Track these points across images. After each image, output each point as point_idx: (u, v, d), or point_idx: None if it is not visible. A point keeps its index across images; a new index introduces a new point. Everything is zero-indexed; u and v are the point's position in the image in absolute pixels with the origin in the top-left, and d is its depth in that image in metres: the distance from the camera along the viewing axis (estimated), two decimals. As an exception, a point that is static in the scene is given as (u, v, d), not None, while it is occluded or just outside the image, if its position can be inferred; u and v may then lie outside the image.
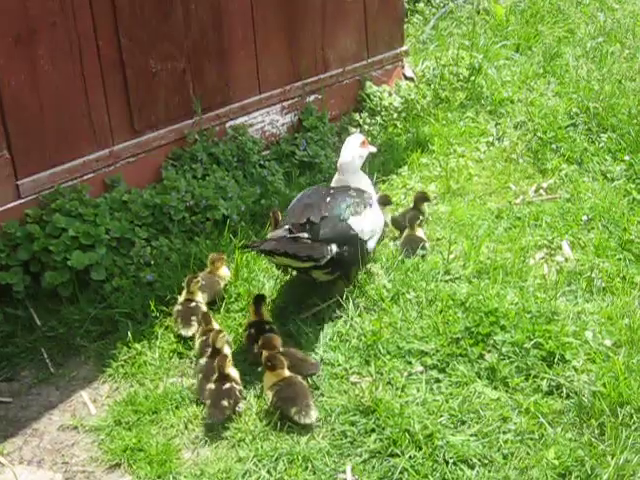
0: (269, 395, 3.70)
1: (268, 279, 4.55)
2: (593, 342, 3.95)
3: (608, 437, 3.44)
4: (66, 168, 4.76)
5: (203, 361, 3.93)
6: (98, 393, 4.04)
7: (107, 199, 4.83)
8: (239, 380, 3.80)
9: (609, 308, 4.27)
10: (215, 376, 3.74)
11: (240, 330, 4.22)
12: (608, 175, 5.76)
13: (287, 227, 4.10)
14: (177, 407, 3.84)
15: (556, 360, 3.83)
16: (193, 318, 4.22)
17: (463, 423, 3.58)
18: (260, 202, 5.33)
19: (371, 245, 4.38)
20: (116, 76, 4.94)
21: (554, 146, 6.05)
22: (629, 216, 5.22)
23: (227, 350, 3.95)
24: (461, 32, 8.03)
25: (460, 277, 4.47)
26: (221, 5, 5.42)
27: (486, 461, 3.40)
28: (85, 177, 4.86)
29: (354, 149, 4.57)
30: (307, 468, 3.42)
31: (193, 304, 4.28)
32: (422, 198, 5.14)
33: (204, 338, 4.05)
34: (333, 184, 4.64)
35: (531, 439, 3.50)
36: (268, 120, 5.93)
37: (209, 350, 3.93)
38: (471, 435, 3.50)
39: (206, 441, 3.64)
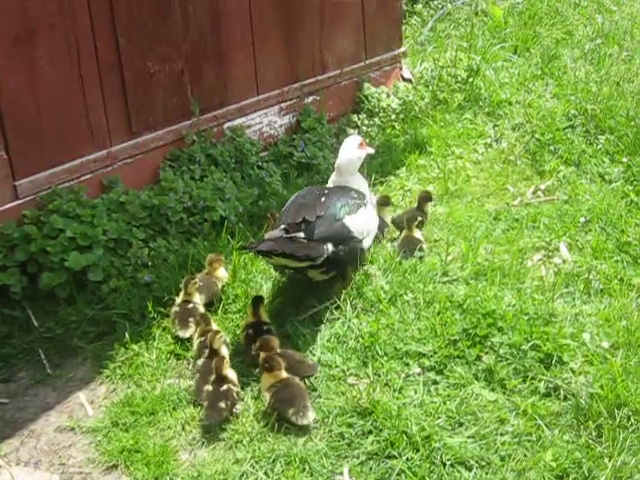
0: (266, 396, 3.70)
1: (266, 280, 4.55)
2: (591, 344, 3.95)
3: (605, 439, 3.44)
4: (64, 169, 4.76)
5: (201, 362, 3.92)
6: (95, 394, 4.04)
7: (105, 200, 4.83)
8: (236, 381, 3.79)
9: (607, 310, 4.27)
10: (212, 377, 3.74)
11: (238, 331, 4.22)
12: (606, 177, 5.77)
13: (283, 227, 4.11)
14: (174, 408, 3.83)
15: (553, 362, 3.83)
16: (190, 319, 4.21)
17: (460, 425, 3.58)
18: (258, 203, 5.34)
19: (366, 244, 4.39)
20: (114, 77, 4.94)
21: (552, 148, 6.06)
22: (627, 218, 5.22)
23: (224, 351, 3.95)
24: (459, 34, 8.04)
25: (458, 279, 4.47)
26: (219, 7, 5.43)
27: (483, 463, 3.40)
28: (83, 178, 4.86)
29: (352, 150, 4.57)
30: (304, 470, 3.42)
31: (190, 305, 4.28)
32: (426, 198, 5.15)
33: (202, 339, 4.05)
34: (330, 185, 4.65)
35: (528, 441, 3.50)
36: (266, 121, 5.94)
37: (207, 351, 3.93)
38: (468, 437, 3.50)
39: (203, 442, 3.63)
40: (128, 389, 4.01)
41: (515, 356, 3.86)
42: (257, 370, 3.89)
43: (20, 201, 4.59)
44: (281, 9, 5.84)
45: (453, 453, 3.41)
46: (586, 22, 8.49)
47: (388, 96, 6.67)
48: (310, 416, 3.61)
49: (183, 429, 3.72)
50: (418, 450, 3.43)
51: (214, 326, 4.14)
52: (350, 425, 3.60)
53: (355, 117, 6.50)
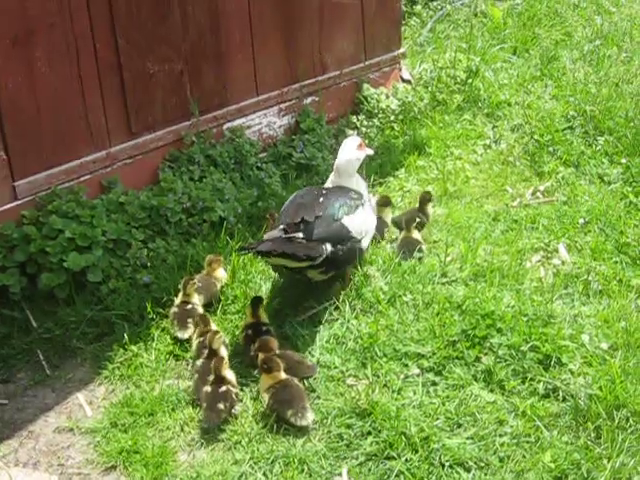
0: (265, 397, 3.70)
1: (265, 281, 4.55)
2: (589, 345, 3.95)
3: (604, 440, 3.44)
4: (63, 169, 4.76)
5: (200, 362, 3.92)
6: (94, 395, 4.04)
7: (104, 201, 4.82)
8: (235, 382, 3.79)
9: (605, 311, 4.27)
10: (211, 378, 3.74)
11: (237, 332, 4.21)
12: (605, 178, 5.77)
13: (282, 227, 4.12)
14: (173, 409, 3.83)
15: (552, 363, 3.84)
16: (189, 320, 4.21)
17: (459, 426, 3.58)
18: (257, 204, 5.34)
19: (364, 244, 4.40)
20: (113, 78, 4.93)
21: (551, 149, 6.06)
22: (626, 219, 5.23)
23: (224, 352, 3.95)
24: (458, 35, 8.04)
25: (457, 280, 4.47)
26: (218, 7, 5.42)
27: (482, 464, 3.40)
28: (82, 179, 4.85)
29: (351, 151, 4.57)
30: (303, 471, 3.42)
31: (189, 306, 4.27)
32: (427, 199, 5.15)
33: (201, 339, 4.04)
34: (328, 185, 4.65)
35: (527, 442, 3.50)
36: (265, 122, 5.94)
37: (206, 351, 3.93)
38: (467, 438, 3.50)
39: (202, 443, 3.63)
40: (127, 390, 4.01)
41: (514, 357, 3.86)
42: (256, 371, 3.89)
43: (19, 202, 4.59)
44: (280, 9, 5.84)
45: (452, 454, 3.41)
46: (585, 23, 8.49)
47: (387, 97, 6.67)
48: (309, 417, 3.61)
49: (182, 430, 3.72)
50: (417, 451, 3.43)
51: (213, 327, 4.14)
52: (349, 426, 3.60)
53: (354, 118, 6.50)
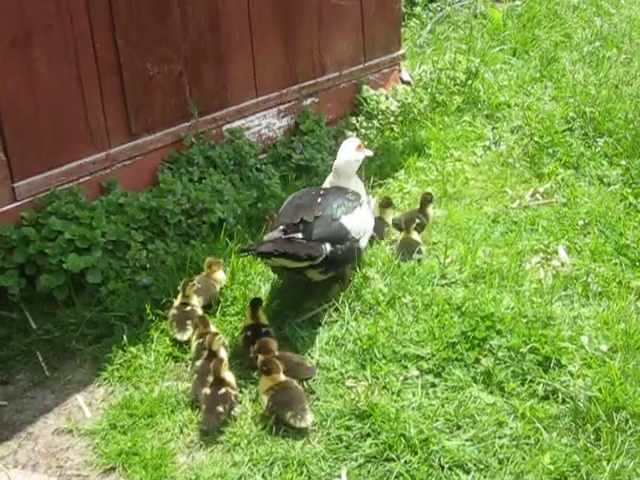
0: (264, 399, 3.69)
1: (264, 283, 4.54)
2: (589, 347, 3.95)
3: (604, 442, 3.44)
4: (62, 171, 4.75)
5: (199, 363, 3.92)
6: (93, 397, 4.03)
7: (103, 202, 4.82)
8: (234, 384, 3.79)
9: (605, 313, 4.27)
10: (210, 380, 3.73)
11: (236, 334, 4.21)
12: (604, 180, 5.77)
13: (282, 228, 4.12)
14: (172, 411, 3.83)
15: (552, 365, 3.83)
16: (188, 322, 4.21)
17: (459, 428, 3.58)
18: (256, 205, 5.33)
19: (363, 244, 4.40)
20: (113, 78, 4.93)
21: (550, 150, 6.06)
22: (625, 221, 5.23)
23: (223, 353, 3.95)
24: (458, 36, 8.04)
25: (456, 281, 4.47)
26: (218, 8, 5.42)
27: (482, 466, 3.40)
28: (81, 180, 4.85)
29: (350, 153, 4.57)
30: (302, 473, 3.42)
31: (188, 308, 4.27)
32: (428, 200, 5.15)
33: (201, 341, 4.04)
34: (326, 186, 4.66)
35: (527, 444, 3.50)
36: (265, 123, 5.93)
37: (205, 353, 3.93)
38: (467, 440, 3.50)
39: (201, 445, 3.63)
40: (126, 391, 4.00)
41: (513, 359, 3.86)
42: (255, 373, 3.89)
43: (18, 203, 4.58)
44: (280, 10, 5.84)
45: (451, 456, 3.41)
46: (585, 25, 8.49)
47: (387, 98, 6.67)
48: (308, 419, 3.60)
49: (181, 432, 3.72)
50: (416, 453, 3.43)
51: (213, 328, 4.14)
52: (348, 428, 3.60)
53: (354, 119, 6.50)
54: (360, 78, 6.60)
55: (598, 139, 6.14)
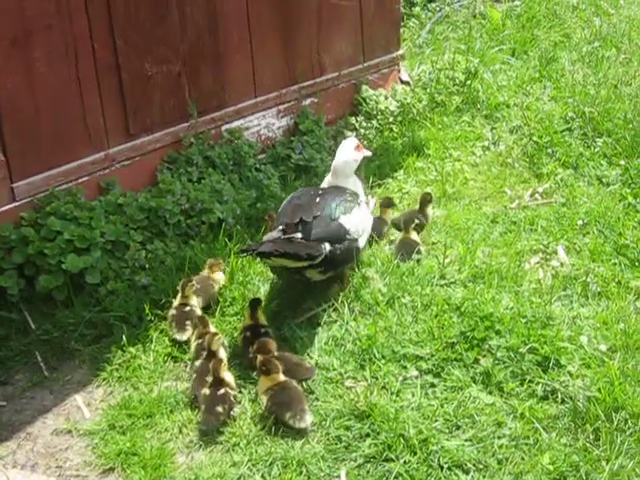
0: (264, 399, 3.69)
1: (263, 283, 4.54)
2: (588, 347, 3.95)
3: (603, 442, 3.44)
4: (61, 171, 4.75)
5: (198, 363, 3.92)
6: (92, 397, 4.03)
7: (102, 202, 4.82)
8: (234, 384, 3.79)
9: (604, 313, 4.27)
10: (210, 380, 3.73)
11: (235, 334, 4.21)
12: (603, 180, 5.77)
13: (281, 228, 4.12)
14: (171, 411, 3.82)
15: (551, 365, 3.83)
16: (187, 322, 4.21)
17: (458, 428, 3.58)
18: (256, 206, 5.33)
19: (361, 243, 4.40)
20: (112, 79, 4.93)
21: (550, 150, 6.06)
22: (624, 221, 5.22)
23: (222, 353, 3.95)
24: (457, 36, 8.04)
25: (455, 281, 4.47)
26: (217, 8, 5.42)
27: (481, 466, 3.40)
28: (80, 180, 4.85)
29: (349, 153, 4.58)
30: (301, 473, 3.42)
31: (188, 308, 4.27)
32: (427, 199, 5.15)
33: (200, 341, 4.04)
34: (324, 185, 4.66)
35: (526, 444, 3.50)
36: (264, 123, 5.93)
37: (205, 353, 3.93)
38: (466, 440, 3.50)
39: (200, 445, 3.63)
40: (125, 392, 4.00)
41: (513, 359, 3.86)
42: (254, 373, 3.88)
43: (17, 203, 4.58)
44: (279, 10, 5.83)
45: (450, 456, 3.41)
46: (584, 25, 8.48)
47: (386, 98, 6.67)
48: (307, 419, 3.60)
49: (180, 432, 3.72)
50: (415, 453, 3.42)
51: (212, 328, 4.14)
52: (347, 428, 3.59)
53: (353, 119, 6.49)
54: (359, 78, 6.60)
55: (597, 139, 6.14)
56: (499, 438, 3.52)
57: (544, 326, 4.03)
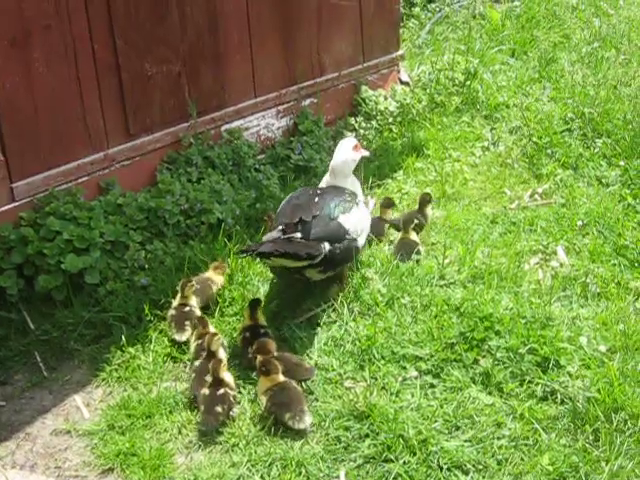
0: (263, 400, 3.69)
1: (263, 283, 4.54)
2: (588, 348, 3.95)
3: (602, 443, 3.44)
4: (61, 171, 4.75)
5: (198, 363, 3.92)
6: (91, 397, 4.03)
7: (102, 202, 4.82)
8: (233, 385, 3.78)
9: (604, 313, 4.27)
10: (209, 380, 3.73)
11: (234, 334, 4.21)
12: (603, 180, 5.78)
13: (280, 228, 4.12)
14: (171, 411, 3.82)
15: (551, 366, 3.83)
16: (187, 323, 4.20)
17: (457, 428, 3.57)
18: (255, 206, 5.33)
19: (360, 243, 4.40)
20: (111, 79, 4.93)
21: (549, 151, 6.06)
22: (624, 221, 5.23)
23: (222, 353, 3.94)
24: (457, 37, 8.04)
25: (455, 282, 4.46)
26: (217, 8, 5.42)
27: (480, 467, 3.40)
28: (80, 180, 4.85)
29: (347, 153, 4.58)
30: (301, 473, 3.41)
31: (187, 308, 4.27)
32: (427, 200, 5.15)
33: (200, 341, 4.04)
34: (322, 185, 4.66)
35: (525, 445, 3.49)
36: (263, 124, 5.93)
37: (204, 353, 3.93)
38: (465, 441, 3.50)
39: (200, 446, 3.63)
40: (124, 392, 4.00)
41: (512, 360, 3.86)
42: (254, 373, 3.88)
43: (17, 203, 4.58)
44: (279, 11, 5.84)
45: (450, 457, 3.40)
46: (583, 26, 8.49)
47: (386, 99, 6.67)
48: (307, 420, 3.60)
49: (179, 432, 3.72)
50: (415, 454, 3.42)
51: (211, 329, 4.13)
52: (347, 429, 3.59)
53: (352, 120, 6.50)
54: (359, 79, 6.60)
55: (597, 140, 6.15)
56: (499, 439, 3.52)
57: (544, 327, 4.03)
